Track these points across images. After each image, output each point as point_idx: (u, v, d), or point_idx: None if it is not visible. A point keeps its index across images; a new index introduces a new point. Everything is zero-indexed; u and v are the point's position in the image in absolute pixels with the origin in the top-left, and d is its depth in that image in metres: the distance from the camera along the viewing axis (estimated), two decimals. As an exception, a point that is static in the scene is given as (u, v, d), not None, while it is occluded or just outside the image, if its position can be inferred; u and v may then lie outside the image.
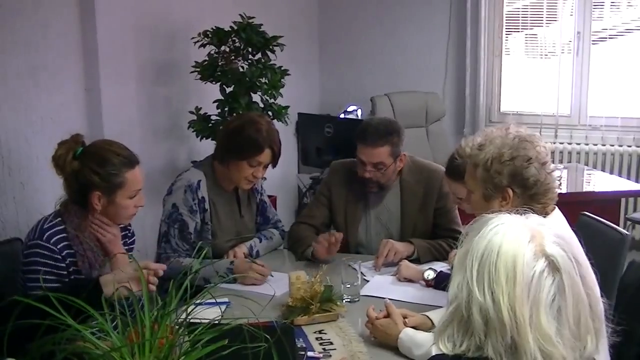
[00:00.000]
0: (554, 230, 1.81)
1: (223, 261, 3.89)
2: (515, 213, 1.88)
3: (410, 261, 3.98)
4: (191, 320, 2.01)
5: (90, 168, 3.12)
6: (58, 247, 3.07)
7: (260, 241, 4.22)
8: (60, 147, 3.17)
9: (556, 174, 2.91)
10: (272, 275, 3.79)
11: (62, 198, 3.22)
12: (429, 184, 4.19)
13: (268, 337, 1.94)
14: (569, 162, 7.39)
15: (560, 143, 7.53)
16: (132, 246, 3.53)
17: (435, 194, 4.18)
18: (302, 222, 4.41)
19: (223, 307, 2.93)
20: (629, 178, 7.20)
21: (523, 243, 1.76)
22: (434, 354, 2.68)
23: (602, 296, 1.83)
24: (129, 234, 3.52)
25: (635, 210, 7.26)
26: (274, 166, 4.10)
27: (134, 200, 3.23)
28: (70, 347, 1.87)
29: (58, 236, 3.10)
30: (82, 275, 3.13)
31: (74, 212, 3.17)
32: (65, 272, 3.09)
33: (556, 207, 2.92)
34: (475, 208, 3.00)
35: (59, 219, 3.15)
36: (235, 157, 3.93)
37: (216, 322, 2.04)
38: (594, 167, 7.34)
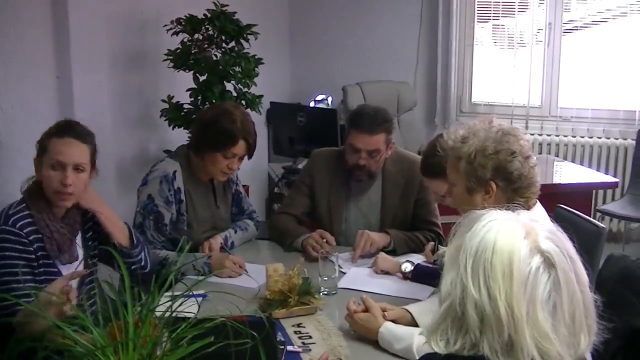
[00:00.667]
0: (547, 226, 1.80)
1: (200, 255, 3.83)
2: (504, 209, 1.86)
3: (387, 252, 3.97)
4: (173, 316, 1.97)
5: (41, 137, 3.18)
6: (24, 231, 3.03)
7: (235, 232, 4.18)
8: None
9: (537, 168, 2.90)
10: (246, 272, 3.72)
11: (28, 179, 3.20)
12: (410, 175, 4.18)
13: (255, 333, 1.90)
14: (540, 153, 7.41)
15: (531, 134, 7.53)
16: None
17: (417, 184, 4.16)
18: (283, 212, 4.39)
19: (200, 300, 2.90)
20: (598, 169, 7.24)
21: (518, 239, 1.74)
22: (422, 353, 2.70)
23: (594, 293, 1.80)
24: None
25: (604, 202, 7.29)
26: (249, 157, 4.05)
27: (57, 174, 3.11)
28: (52, 344, 1.82)
29: (23, 221, 3.06)
30: (50, 260, 3.08)
31: (37, 194, 3.15)
32: (33, 256, 3.05)
33: (537, 201, 2.91)
34: (459, 202, 3.00)
35: (24, 204, 3.11)
36: (210, 149, 3.89)
37: (197, 317, 2.00)
38: (564, 158, 7.37)
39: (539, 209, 2.89)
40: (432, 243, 3.94)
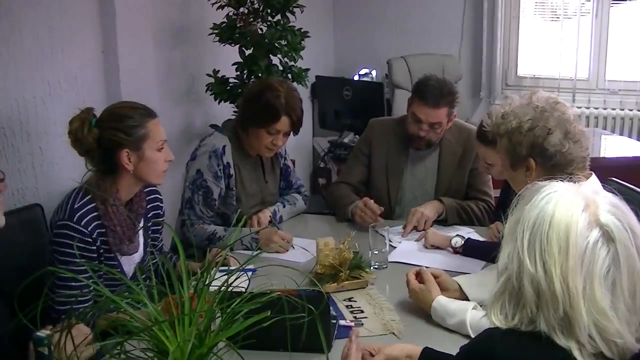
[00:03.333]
0: (610, 199, 1.75)
1: (248, 230, 3.82)
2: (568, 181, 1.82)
3: (437, 221, 3.99)
4: (226, 288, 1.96)
5: (112, 127, 3.06)
6: (89, 228, 3.01)
7: (284, 206, 4.18)
8: (74, 121, 3.08)
9: (585, 142, 2.85)
10: (293, 247, 3.72)
11: (85, 175, 3.15)
12: (467, 144, 4.18)
13: (312, 307, 1.89)
14: (587, 126, 7.31)
15: (578, 107, 7.44)
16: (162, 217, 3.49)
17: (473, 154, 4.15)
18: (340, 181, 4.43)
19: (250, 274, 2.89)
20: (647, 142, 7.12)
21: (576, 212, 1.70)
22: (475, 328, 2.68)
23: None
24: (160, 203, 3.47)
25: (654, 175, 7.18)
26: (295, 134, 4.03)
27: (162, 154, 3.15)
28: (109, 319, 1.82)
29: (89, 216, 3.03)
30: (112, 253, 3.09)
31: (105, 184, 3.10)
32: (95, 255, 3.05)
33: (593, 175, 2.86)
34: (504, 176, 3.05)
35: (89, 195, 3.07)
36: (254, 125, 3.88)
37: (250, 291, 1.98)
38: (612, 131, 7.27)
39: (592, 184, 2.84)
40: (499, 223, 3.89)
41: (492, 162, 3.62)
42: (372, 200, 4.00)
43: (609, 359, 1.68)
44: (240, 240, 3.69)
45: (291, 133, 3.99)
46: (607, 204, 1.73)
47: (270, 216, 3.99)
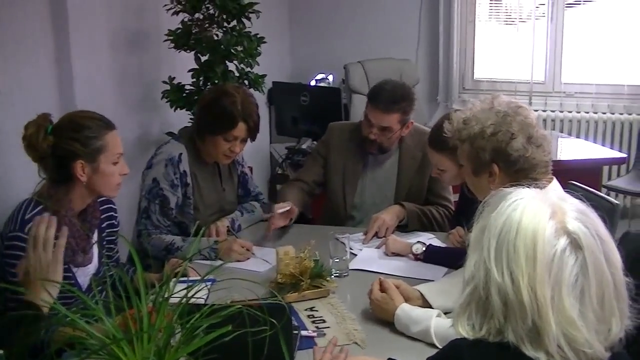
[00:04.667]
0: (577, 206, 1.72)
1: (206, 240, 3.78)
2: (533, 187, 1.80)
3: (399, 227, 3.99)
4: (187, 303, 1.91)
5: (68, 137, 2.98)
6: None
7: (242, 214, 4.14)
8: (30, 127, 3.01)
9: (547, 146, 2.84)
10: (254, 254, 3.69)
11: (38, 185, 3.08)
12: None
13: (274, 320, 1.84)
14: (544, 129, 7.32)
15: (535, 110, 7.45)
16: (116, 228, 3.42)
17: None
18: (295, 179, 4.43)
19: (209, 285, 2.84)
20: (603, 145, 7.17)
21: (543, 219, 1.67)
22: (439, 336, 2.65)
23: (626, 275, 1.73)
24: (114, 214, 3.40)
25: (610, 178, 7.23)
26: (252, 140, 3.98)
27: (117, 167, 3.09)
28: (65, 337, 1.76)
29: None
30: (65, 264, 3.01)
31: (57, 194, 3.03)
32: None
33: (554, 180, 2.85)
34: (468, 183, 3.01)
35: (40, 206, 3.00)
36: (210, 132, 3.84)
37: (209, 303, 1.94)
38: (569, 134, 7.32)
39: (555, 188, 2.83)
40: (460, 228, 3.88)
41: (444, 168, 3.63)
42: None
43: None
44: (199, 251, 3.63)
45: (248, 139, 3.94)
46: (574, 211, 1.70)
47: (228, 225, 3.95)
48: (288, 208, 3.93)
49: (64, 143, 2.98)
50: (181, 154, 3.87)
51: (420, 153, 4.20)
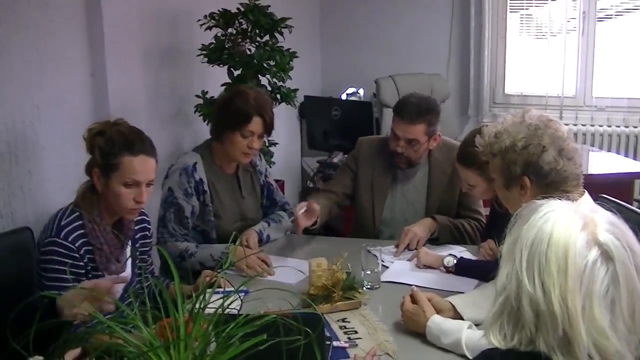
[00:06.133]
0: (608, 218, 1.74)
1: (218, 245, 3.85)
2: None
3: (431, 239, 4.00)
4: (222, 313, 1.93)
5: (98, 144, 3.06)
6: (76, 245, 3.00)
7: (269, 225, 4.17)
8: (98, 123, 3.15)
9: (578, 159, 2.85)
10: (272, 272, 3.67)
11: (82, 185, 3.15)
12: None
13: (309, 330, 1.87)
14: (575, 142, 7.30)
15: (566, 124, 7.39)
16: (150, 240, 3.47)
17: None
18: (324, 189, 4.46)
19: (242, 296, 2.87)
20: (635, 159, 7.13)
21: (575, 231, 1.68)
22: (470, 347, 2.66)
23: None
24: (148, 225, 3.45)
25: (641, 192, 7.19)
26: (268, 135, 4.08)
27: (131, 192, 3.08)
28: (104, 344, 1.79)
29: (76, 233, 3.02)
30: (99, 272, 3.06)
31: (91, 201, 3.10)
32: (83, 271, 3.03)
33: (585, 193, 2.85)
34: (500, 197, 3.01)
35: (77, 213, 3.07)
36: (227, 130, 3.89)
37: (242, 314, 1.96)
38: (600, 148, 7.29)
39: (585, 202, 2.83)
40: (491, 241, 3.88)
41: (474, 183, 3.64)
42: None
43: None
44: (210, 255, 3.76)
45: (264, 135, 4.01)
46: (606, 223, 1.71)
47: (256, 237, 3.98)
48: (305, 206, 3.93)
49: (94, 148, 3.06)
50: (196, 163, 3.94)
51: (450, 167, 4.19)
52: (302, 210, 3.91)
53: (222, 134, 3.92)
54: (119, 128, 3.13)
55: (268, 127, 3.95)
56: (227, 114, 3.89)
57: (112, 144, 3.05)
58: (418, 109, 4.09)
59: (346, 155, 4.88)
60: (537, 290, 1.67)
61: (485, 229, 4.12)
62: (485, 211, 4.23)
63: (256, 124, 3.88)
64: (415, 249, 3.90)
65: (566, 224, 1.70)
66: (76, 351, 2.16)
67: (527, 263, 1.70)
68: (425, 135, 4.12)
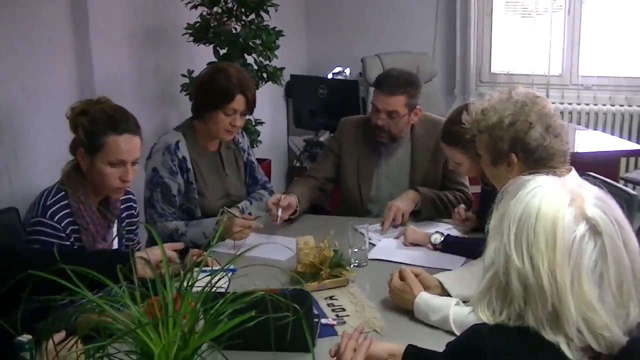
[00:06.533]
0: (595, 192, 1.74)
1: (208, 220, 3.85)
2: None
3: (415, 212, 4.05)
4: (210, 290, 1.93)
5: (81, 123, 3.06)
6: (62, 224, 3.00)
7: (251, 203, 4.19)
8: (81, 102, 3.13)
9: (565, 136, 2.85)
10: (254, 228, 3.78)
11: (67, 164, 3.14)
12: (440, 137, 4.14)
13: (297, 306, 1.87)
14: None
15: (552, 103, 7.37)
16: (137, 218, 3.47)
17: None
18: (306, 175, 4.44)
19: (229, 274, 2.87)
20: (621, 137, 7.14)
21: (563, 206, 1.69)
22: (458, 324, 2.67)
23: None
24: (134, 204, 3.44)
25: (627, 170, 7.20)
26: (250, 113, 4.05)
27: (116, 171, 3.08)
28: (93, 322, 1.79)
29: (61, 213, 3.02)
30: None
31: (76, 180, 3.09)
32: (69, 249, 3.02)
33: (573, 170, 2.85)
34: (487, 173, 3.01)
35: (62, 192, 3.06)
36: (210, 108, 3.88)
37: (231, 291, 1.96)
38: (586, 126, 7.30)
39: (573, 178, 2.84)
40: (462, 206, 3.96)
41: (459, 161, 3.65)
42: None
43: (597, 353, 1.67)
44: (202, 232, 3.77)
45: (247, 113, 4.00)
46: (593, 198, 1.72)
47: (238, 214, 3.98)
48: (281, 202, 3.92)
49: (79, 127, 3.04)
50: (178, 141, 3.92)
51: (433, 142, 4.19)
52: (279, 210, 3.90)
53: (204, 113, 3.91)
54: (103, 107, 3.11)
55: (250, 105, 3.94)
56: (209, 92, 3.87)
57: (96, 123, 3.04)
58: (397, 80, 4.11)
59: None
60: (526, 264, 1.67)
61: (480, 208, 4.10)
62: (474, 189, 4.23)
63: (239, 101, 3.87)
64: (401, 224, 3.92)
65: (554, 198, 1.70)
66: (61, 334, 2.15)
67: (515, 238, 1.70)
68: (405, 107, 4.11)
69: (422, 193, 4.10)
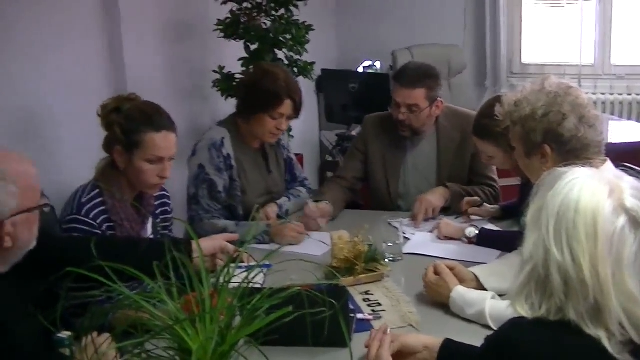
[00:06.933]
0: (633, 183, 1.73)
1: (259, 224, 3.81)
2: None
3: (445, 209, 4.03)
4: (247, 286, 1.94)
5: (118, 121, 3.06)
6: (98, 221, 3.02)
7: (289, 200, 4.17)
8: (112, 99, 3.13)
9: (600, 126, 2.82)
10: (308, 235, 3.75)
11: (101, 162, 3.16)
12: (466, 130, 4.10)
13: (333, 301, 1.87)
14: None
15: (585, 93, 7.36)
16: (170, 214, 3.48)
17: (472, 139, 4.07)
18: (335, 177, 4.42)
19: (265, 270, 2.88)
20: (655, 127, 7.08)
21: (602, 198, 1.67)
22: (494, 318, 2.65)
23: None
24: (168, 200, 3.45)
25: (662, 159, 7.13)
26: (297, 116, 4.03)
27: (155, 168, 3.10)
28: (130, 318, 1.80)
29: (97, 210, 3.04)
30: None
31: (111, 178, 3.10)
32: None
33: (608, 161, 2.82)
34: (521, 165, 2.98)
35: (97, 190, 3.08)
36: (257, 111, 3.85)
37: (267, 287, 1.96)
38: (620, 116, 7.24)
39: (608, 169, 2.81)
40: (468, 198, 3.98)
41: (492, 154, 3.63)
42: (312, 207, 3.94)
43: (637, 346, 1.66)
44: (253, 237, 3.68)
45: (293, 117, 3.99)
46: (631, 189, 1.70)
47: (277, 211, 3.99)
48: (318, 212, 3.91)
49: (114, 125, 3.05)
50: (223, 138, 3.91)
51: (459, 134, 4.18)
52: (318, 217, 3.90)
53: (250, 114, 3.89)
54: (137, 104, 3.13)
55: (297, 109, 3.93)
56: (257, 95, 3.84)
57: (133, 120, 3.06)
58: (416, 73, 4.09)
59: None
60: (566, 258, 1.66)
61: (519, 200, 4.06)
62: (509, 182, 4.21)
63: (287, 106, 3.85)
64: (432, 217, 3.92)
65: (592, 190, 1.69)
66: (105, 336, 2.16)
67: (555, 231, 1.69)
68: (425, 100, 4.08)
69: (451, 189, 4.08)
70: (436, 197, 4.02)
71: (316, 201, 3.99)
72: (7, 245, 2.25)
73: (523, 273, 1.76)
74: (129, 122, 3.05)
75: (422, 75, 4.08)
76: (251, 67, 5.10)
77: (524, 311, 1.75)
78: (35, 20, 3.91)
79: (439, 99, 4.15)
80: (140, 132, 3.05)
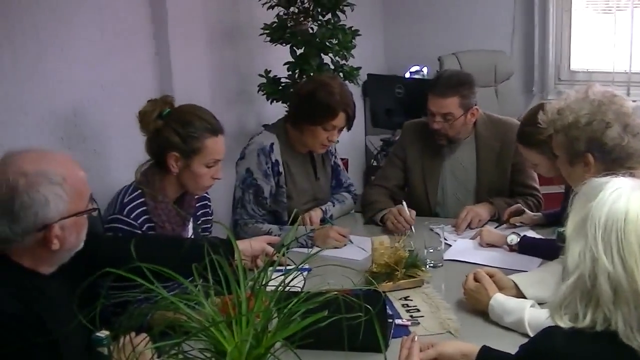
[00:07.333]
0: None
1: (302, 228, 3.82)
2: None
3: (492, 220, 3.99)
4: (284, 290, 1.95)
5: (173, 128, 3.11)
6: (138, 221, 3.07)
7: (334, 205, 4.18)
8: (148, 104, 3.18)
9: None
10: (351, 241, 3.74)
11: (142, 165, 3.19)
12: (505, 138, 4.10)
13: (369, 307, 1.87)
14: (642, 119, 7.19)
15: (634, 101, 7.24)
16: (211, 217, 3.50)
17: (512, 148, 4.06)
18: (376, 184, 4.40)
19: (305, 274, 2.89)
20: None
21: None
22: (533, 326, 2.64)
23: None
24: (208, 202, 3.48)
25: None
26: (348, 129, 4.03)
27: (210, 171, 3.17)
28: (168, 319, 1.82)
29: (138, 210, 3.09)
30: None
31: (154, 180, 3.14)
32: None
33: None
34: (563, 174, 2.99)
35: (139, 191, 3.12)
36: (310, 122, 3.87)
37: (305, 291, 1.97)
38: (671, 125, 7.13)
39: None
40: (518, 205, 3.97)
41: (537, 162, 3.60)
42: (406, 209, 3.92)
43: None
44: (296, 238, 3.69)
45: (344, 128, 3.99)
46: None
47: (321, 216, 4.00)
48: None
49: (167, 131, 3.10)
50: (273, 143, 3.93)
51: (498, 143, 4.16)
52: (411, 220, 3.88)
53: (302, 124, 3.91)
54: (188, 109, 3.20)
55: (350, 121, 3.95)
56: (311, 107, 3.85)
57: (192, 127, 3.11)
58: (449, 82, 4.08)
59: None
60: (617, 268, 1.66)
61: (561, 210, 4.03)
62: (551, 189, 4.18)
63: (340, 119, 3.87)
64: (476, 227, 3.90)
65: (639, 200, 1.69)
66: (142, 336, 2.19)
67: (603, 241, 1.69)
68: (459, 108, 4.05)
69: (496, 205, 4.06)
70: (484, 210, 4.02)
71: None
72: (55, 247, 2.30)
73: (566, 283, 1.76)
74: (186, 128, 3.10)
75: (454, 84, 4.06)
76: (305, 77, 5.12)
77: (563, 322, 1.74)
78: (85, 25, 3.95)
79: (474, 106, 4.12)
80: (201, 138, 3.11)
